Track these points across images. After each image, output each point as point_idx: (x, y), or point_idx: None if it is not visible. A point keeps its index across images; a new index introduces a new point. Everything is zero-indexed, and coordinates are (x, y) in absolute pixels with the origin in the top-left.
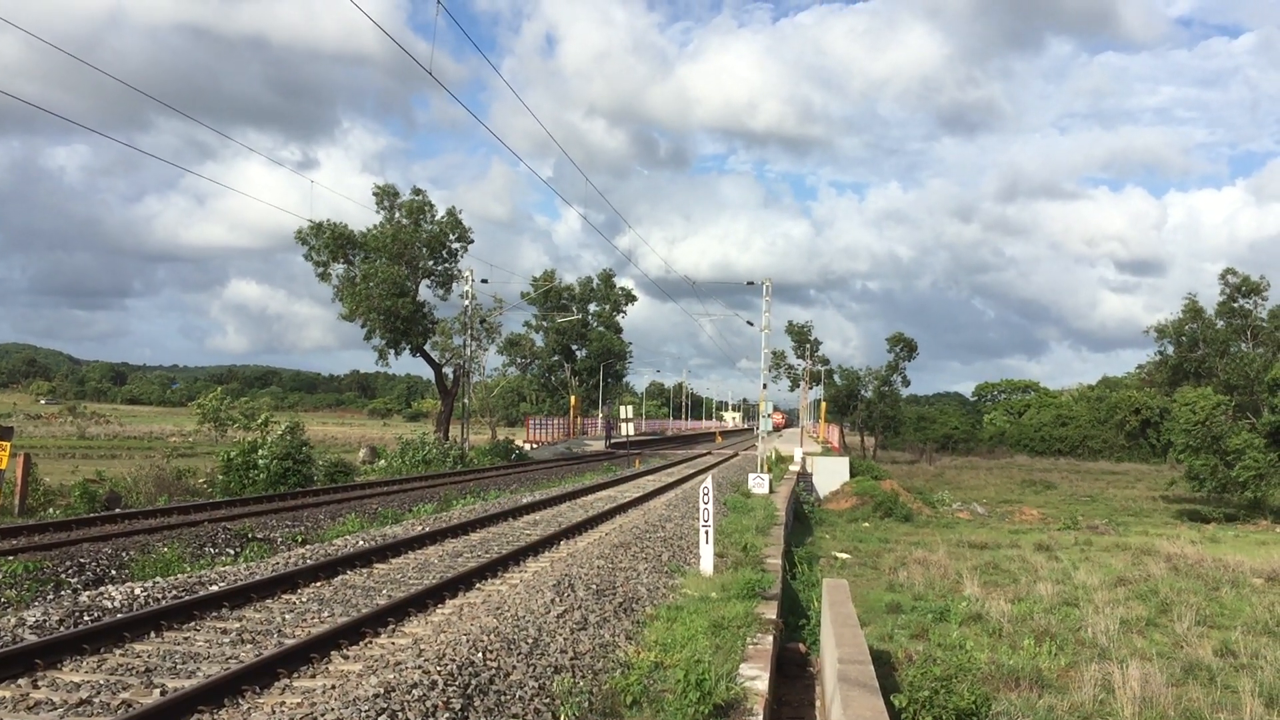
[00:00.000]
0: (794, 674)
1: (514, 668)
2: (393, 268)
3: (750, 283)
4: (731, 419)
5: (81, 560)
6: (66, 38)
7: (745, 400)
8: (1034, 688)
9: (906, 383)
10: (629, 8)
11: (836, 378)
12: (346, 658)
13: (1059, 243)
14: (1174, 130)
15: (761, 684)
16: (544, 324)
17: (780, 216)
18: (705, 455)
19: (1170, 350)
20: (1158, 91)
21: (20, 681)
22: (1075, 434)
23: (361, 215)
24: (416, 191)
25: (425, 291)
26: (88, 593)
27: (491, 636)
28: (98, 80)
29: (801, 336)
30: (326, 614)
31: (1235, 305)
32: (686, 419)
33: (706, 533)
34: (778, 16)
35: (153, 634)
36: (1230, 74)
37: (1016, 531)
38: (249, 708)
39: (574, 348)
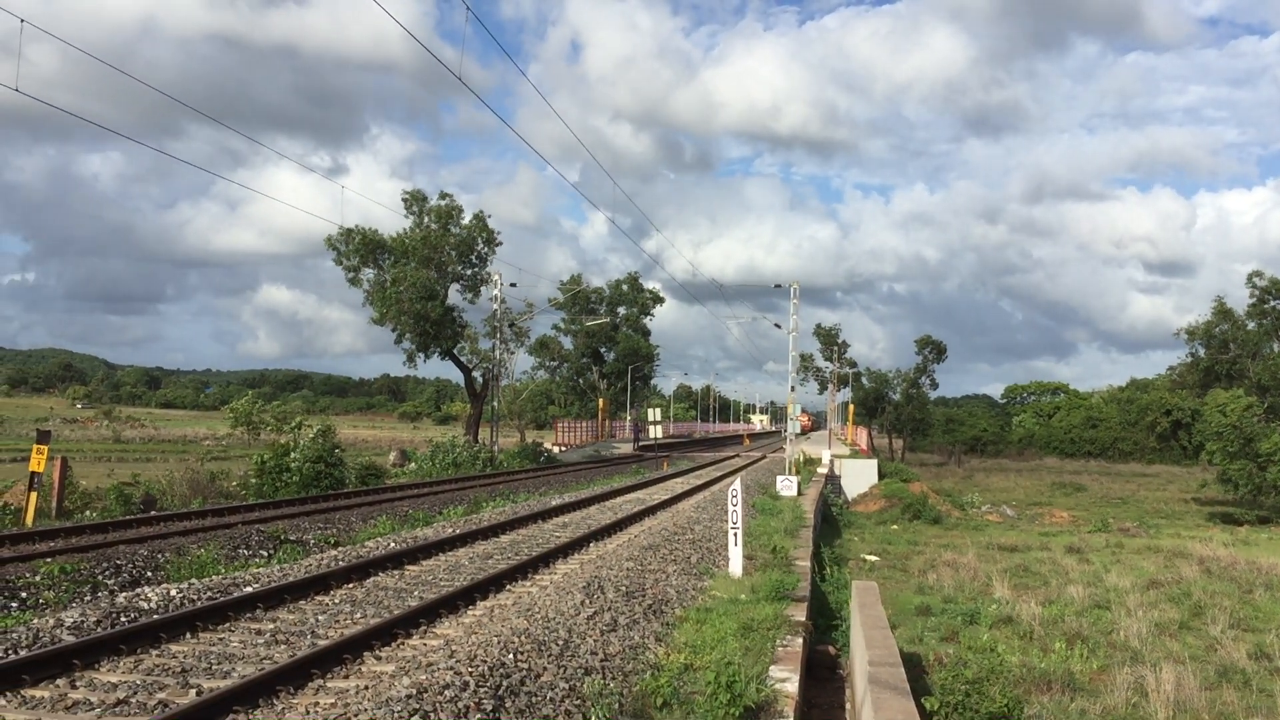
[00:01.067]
0: (824, 676)
1: (545, 669)
2: (422, 272)
3: (777, 285)
4: (759, 421)
5: (118, 562)
6: (100, 47)
7: (773, 403)
8: (1066, 691)
9: (935, 385)
10: (654, 13)
11: (864, 380)
12: (379, 658)
13: (1087, 244)
14: (1203, 130)
15: (792, 686)
16: (573, 327)
17: (806, 219)
18: (733, 458)
19: (1201, 352)
20: (1186, 91)
21: (59, 681)
22: (1105, 436)
23: (391, 220)
24: (445, 196)
25: (454, 295)
26: (124, 594)
27: (522, 638)
28: (131, 88)
29: (829, 339)
30: (359, 615)
31: (1267, 306)
32: (714, 422)
33: (735, 535)
34: (803, 20)
35: (188, 635)
36: (1260, 73)
37: (1046, 534)
38: (284, 708)
39: (602, 350)
